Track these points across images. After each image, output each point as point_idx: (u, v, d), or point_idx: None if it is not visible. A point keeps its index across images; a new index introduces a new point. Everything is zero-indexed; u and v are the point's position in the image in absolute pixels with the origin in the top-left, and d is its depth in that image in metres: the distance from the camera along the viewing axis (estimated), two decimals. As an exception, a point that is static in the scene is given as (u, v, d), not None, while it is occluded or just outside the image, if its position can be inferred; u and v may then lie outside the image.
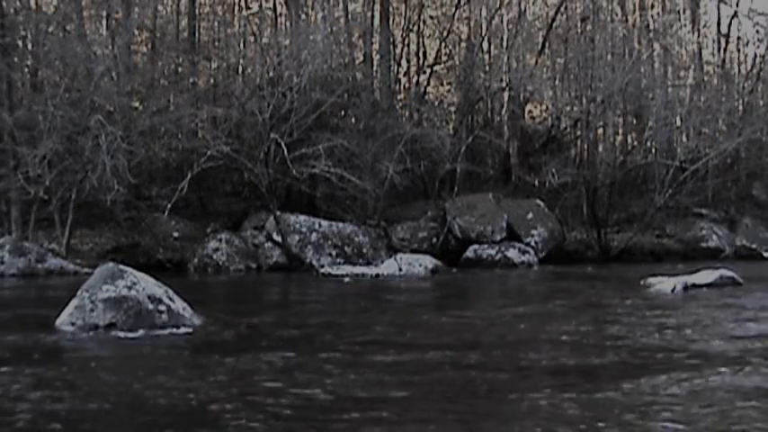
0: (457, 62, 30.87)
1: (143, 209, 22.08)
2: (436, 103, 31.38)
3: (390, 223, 23.87)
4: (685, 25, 33.43)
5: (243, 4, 29.95)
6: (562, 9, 30.30)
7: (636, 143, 29.99)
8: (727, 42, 33.38)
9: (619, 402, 6.53)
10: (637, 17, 31.97)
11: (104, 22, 25.47)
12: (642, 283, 16.24)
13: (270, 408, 6.34)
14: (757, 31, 33.42)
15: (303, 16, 26.93)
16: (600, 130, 29.84)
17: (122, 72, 22.37)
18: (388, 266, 21.02)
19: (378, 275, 20.15)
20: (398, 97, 29.77)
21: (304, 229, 22.18)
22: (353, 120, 25.84)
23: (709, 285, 15.61)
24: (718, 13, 33.43)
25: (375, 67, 27.70)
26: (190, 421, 6.08)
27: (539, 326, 11.19)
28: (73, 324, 10.00)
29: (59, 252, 20.04)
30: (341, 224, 22.74)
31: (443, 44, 30.68)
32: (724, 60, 33.10)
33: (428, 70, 30.41)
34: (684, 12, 33.76)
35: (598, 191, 26.21)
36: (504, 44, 29.07)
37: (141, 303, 10.10)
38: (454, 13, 29.84)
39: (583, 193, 26.49)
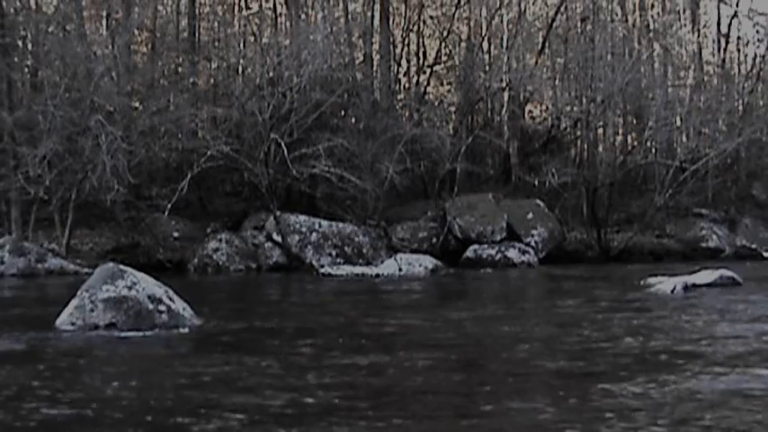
0: (457, 62, 30.85)
1: (143, 209, 22.08)
2: (436, 103, 31.37)
3: (390, 223, 23.87)
4: (685, 25, 33.41)
5: (243, 4, 29.93)
6: (562, 9, 30.29)
7: (636, 143, 29.99)
8: (727, 42, 33.37)
9: (613, 405, 6.47)
10: (637, 17, 31.97)
11: (104, 22, 25.49)
12: (642, 283, 16.22)
13: (256, 409, 6.33)
14: (757, 31, 33.43)
15: (303, 16, 26.94)
16: (600, 130, 29.83)
17: (122, 72, 22.39)
18: (387, 266, 21.01)
19: (378, 275, 20.15)
20: (398, 97, 29.76)
21: (304, 229, 22.18)
22: (353, 120, 25.85)
23: (709, 285, 15.60)
24: (718, 13, 33.44)
25: (375, 67, 27.69)
26: (164, 423, 6.06)
27: (532, 326, 11.19)
28: (73, 324, 9.99)
29: (59, 252, 20.04)
30: (341, 224, 22.74)
31: (443, 44, 30.67)
32: (724, 60, 33.08)
33: (428, 70, 30.41)
34: (684, 12, 33.75)
35: (598, 191, 26.22)
36: (504, 44, 29.07)
37: (141, 303, 10.09)
38: (454, 13, 29.84)
39: (583, 193, 26.50)
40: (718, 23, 33.32)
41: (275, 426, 5.89)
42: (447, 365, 8.31)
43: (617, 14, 32.13)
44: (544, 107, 32.29)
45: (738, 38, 34.51)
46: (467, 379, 7.72)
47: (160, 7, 28.61)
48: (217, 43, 29.33)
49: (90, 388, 7.16)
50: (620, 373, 7.65)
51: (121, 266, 10.69)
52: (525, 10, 30.29)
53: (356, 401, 6.62)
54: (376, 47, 27.61)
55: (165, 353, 9.03)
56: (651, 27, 31.98)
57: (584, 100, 28.21)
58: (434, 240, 23.73)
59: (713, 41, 33.93)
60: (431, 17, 31.49)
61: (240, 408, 6.31)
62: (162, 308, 10.20)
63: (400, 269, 20.65)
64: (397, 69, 29.49)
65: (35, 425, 5.91)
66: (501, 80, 28.52)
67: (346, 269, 20.92)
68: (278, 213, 22.08)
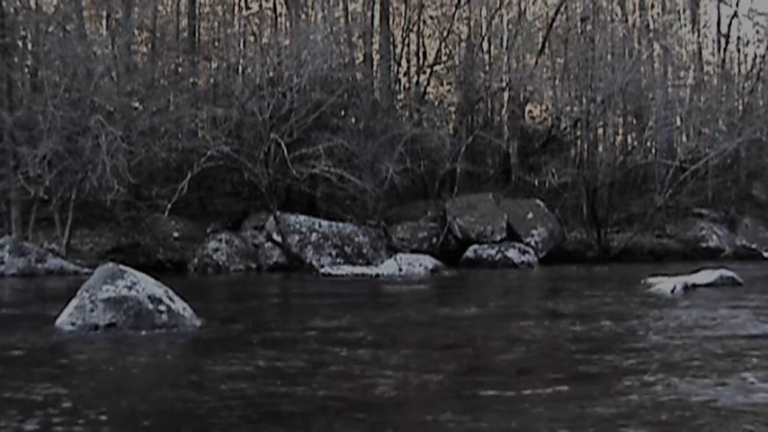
0: (457, 62, 30.89)
1: (143, 209, 22.08)
2: (436, 103, 31.40)
3: (390, 223, 23.88)
4: (685, 25, 33.45)
5: (243, 4, 29.96)
6: (562, 9, 30.33)
7: (636, 143, 30.02)
8: (727, 42, 33.41)
9: (610, 407, 6.45)
10: (637, 17, 32.00)
11: (104, 22, 25.50)
12: (642, 283, 16.22)
13: (246, 412, 6.34)
14: (757, 32, 33.49)
15: (303, 16, 26.96)
16: (600, 130, 29.88)
17: (122, 72, 22.39)
18: (387, 266, 21.01)
19: (377, 275, 20.14)
20: (398, 97, 29.80)
21: (304, 229, 22.18)
22: (353, 120, 25.87)
23: (709, 285, 15.60)
24: (719, 13, 33.50)
25: (375, 67, 27.72)
26: (162, 423, 6.07)
27: (530, 327, 11.18)
28: (73, 324, 9.99)
29: (59, 252, 20.05)
30: (341, 224, 22.75)
31: (443, 44, 30.69)
32: (724, 60, 33.11)
33: (428, 70, 30.43)
34: (684, 12, 33.80)
35: (598, 191, 26.24)
36: (504, 44, 29.10)
37: (141, 303, 10.08)
38: (454, 13, 29.86)
39: (583, 193, 26.53)
40: (718, 23, 33.38)
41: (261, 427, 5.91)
42: (417, 367, 8.31)
43: (617, 14, 32.16)
44: (544, 107, 32.33)
45: (738, 38, 34.60)
46: (465, 379, 7.72)
47: (160, 7, 28.62)
48: (217, 43, 29.36)
49: (89, 388, 7.16)
50: (617, 375, 7.64)
51: (121, 266, 10.67)
52: (525, 10, 30.33)
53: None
54: (376, 47, 27.63)
55: (165, 353, 9.03)
56: (651, 27, 32.01)
57: (584, 100, 28.25)
58: (434, 240, 23.75)
59: (713, 41, 33.98)
60: (431, 17, 31.52)
61: (225, 409, 6.33)
62: (162, 308, 10.19)
63: (400, 269, 20.65)
64: (397, 69, 29.51)
65: (35, 425, 5.91)
66: (501, 80, 28.55)
67: (346, 269, 20.92)
68: (278, 213, 22.09)
